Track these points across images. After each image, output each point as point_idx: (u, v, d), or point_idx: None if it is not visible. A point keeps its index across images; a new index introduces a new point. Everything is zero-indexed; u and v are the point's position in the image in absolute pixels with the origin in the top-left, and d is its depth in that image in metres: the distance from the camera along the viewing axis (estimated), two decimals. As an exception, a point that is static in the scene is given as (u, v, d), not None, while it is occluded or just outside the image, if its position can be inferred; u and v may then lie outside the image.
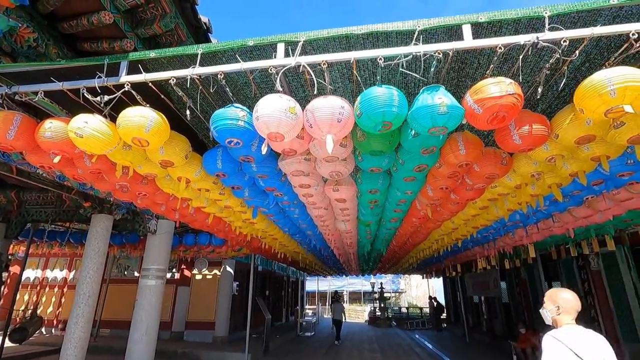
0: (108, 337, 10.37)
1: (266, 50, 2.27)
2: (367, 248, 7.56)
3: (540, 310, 2.14)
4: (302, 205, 4.27)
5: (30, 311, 6.57)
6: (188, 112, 2.43)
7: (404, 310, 24.73)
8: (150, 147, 2.41)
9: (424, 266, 14.48)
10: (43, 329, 10.87)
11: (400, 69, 2.15)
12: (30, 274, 12.02)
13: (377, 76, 2.18)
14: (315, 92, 2.22)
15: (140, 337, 5.62)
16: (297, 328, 14.56)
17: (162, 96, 2.47)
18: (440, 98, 1.97)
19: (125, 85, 2.27)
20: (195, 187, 3.31)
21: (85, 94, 2.29)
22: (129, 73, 2.33)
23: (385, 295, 22.50)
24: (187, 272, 11.27)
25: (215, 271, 11.16)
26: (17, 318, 6.64)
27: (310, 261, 11.40)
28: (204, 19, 3.80)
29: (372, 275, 24.62)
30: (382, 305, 21.61)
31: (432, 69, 2.06)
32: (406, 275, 35.53)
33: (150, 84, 2.31)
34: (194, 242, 7.65)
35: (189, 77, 2.21)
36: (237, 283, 11.62)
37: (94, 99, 2.33)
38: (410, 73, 2.25)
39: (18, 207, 6.23)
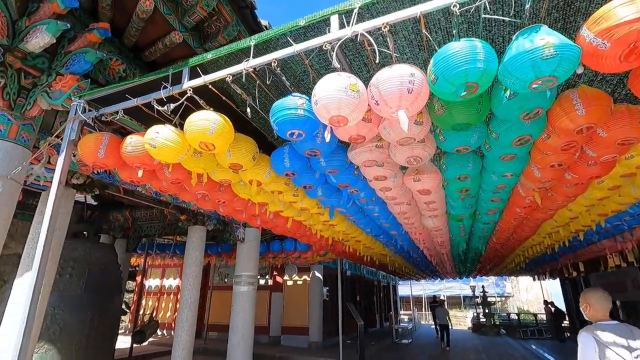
0: (216, 339, 11.27)
1: (320, 28, 2.05)
2: (462, 247, 6.78)
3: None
4: (381, 201, 3.93)
5: (147, 315, 7.48)
6: (249, 109, 2.35)
7: (513, 316, 21.97)
8: (218, 150, 2.39)
9: (535, 266, 12.59)
10: (164, 332, 12.34)
11: (483, 16, 1.73)
12: (151, 282, 13.84)
13: (454, 30, 1.78)
14: (379, 66, 1.92)
15: (238, 342, 5.86)
16: (392, 335, 13.94)
17: (224, 98, 2.44)
18: (543, 39, 1.49)
19: (188, 91, 2.28)
20: (268, 189, 3.24)
21: (155, 106, 2.38)
22: (191, 79, 2.35)
23: (488, 299, 20.30)
24: (279, 279, 11.68)
25: (305, 277, 11.34)
26: (139, 322, 7.60)
27: (399, 264, 10.81)
28: (263, 22, 3.80)
29: (471, 278, 22.51)
30: (487, 310, 19.51)
31: (527, 5, 1.59)
32: (512, 277, 31.72)
33: (210, 87, 2.29)
34: (280, 248, 7.83)
35: (243, 72, 2.11)
36: (327, 288, 11.62)
37: (163, 109, 2.40)
38: (497, 17, 1.80)
39: (132, 224, 7.14)
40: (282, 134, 2.19)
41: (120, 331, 11.68)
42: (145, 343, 6.84)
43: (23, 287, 3.50)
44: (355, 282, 14.45)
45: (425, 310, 30.93)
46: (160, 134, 2.35)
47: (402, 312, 27.51)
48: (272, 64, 2.01)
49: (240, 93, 2.29)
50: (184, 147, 2.41)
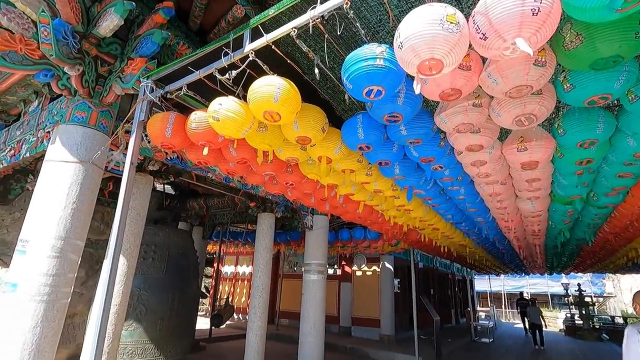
0: (287, 326, 11.50)
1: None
2: (562, 238, 5.77)
3: None
4: (468, 181, 3.37)
5: (224, 300, 7.82)
6: (317, 71, 2.04)
7: (619, 320, 18.98)
8: (283, 120, 2.13)
9: (652, 262, 10.52)
10: (240, 316, 12.98)
11: None
12: (227, 269, 14.65)
13: None
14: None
15: (309, 330, 5.74)
16: (471, 332, 12.89)
17: (289, 61, 2.16)
18: None
19: (249, 55, 2.05)
20: (338, 168, 2.93)
21: (217, 75, 2.20)
22: (252, 41, 2.12)
23: (585, 299, 17.75)
24: (347, 269, 11.46)
25: (375, 267, 10.94)
26: (216, 306, 7.99)
27: (479, 256, 9.82)
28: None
29: (562, 274, 19.95)
30: (584, 312, 17.09)
31: None
32: (611, 275, 27.48)
33: (273, 47, 2.02)
34: (349, 236, 7.55)
35: (310, 23, 1.80)
36: (398, 280, 11.09)
37: (225, 78, 2.21)
38: None
39: (207, 212, 7.45)
40: (356, 93, 1.84)
41: (200, 313, 12.58)
42: (223, 326, 7.15)
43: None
44: (428, 275, 13.64)
45: (505, 308, 28.45)
46: (223, 106, 2.16)
47: (479, 308, 25.62)
48: (345, 6, 1.66)
49: (307, 51, 1.98)
50: (248, 119, 2.19)
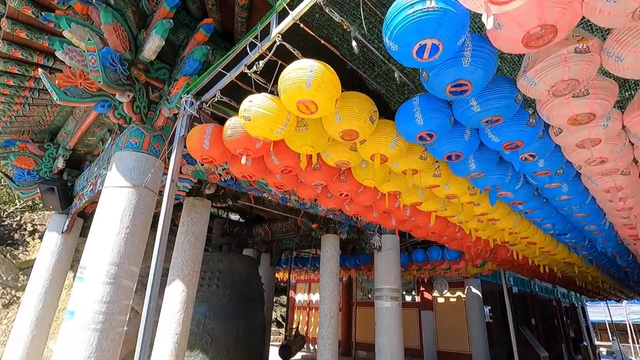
0: (366, 359, 10.66)
1: None
2: None
3: None
4: (573, 173, 2.61)
5: (294, 330, 7.48)
6: (354, 44, 1.68)
7: None
8: (321, 110, 1.79)
9: None
10: (315, 346, 12.48)
11: None
12: (300, 297, 14.42)
13: None
14: None
15: (387, 366, 5.06)
16: (592, 373, 10.55)
17: (325, 44, 1.85)
18: None
19: (276, 40, 1.78)
20: (398, 170, 2.46)
21: (247, 72, 1.97)
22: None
23: None
24: (427, 295, 10.36)
25: (459, 293, 9.70)
26: (286, 336, 7.67)
27: (593, 277, 8.07)
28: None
29: None
30: None
31: None
32: None
33: (303, 27, 1.73)
34: (425, 258, 6.74)
35: (340, -17, 1.47)
36: (489, 308, 9.64)
37: (256, 76, 1.97)
38: None
39: (272, 237, 7.34)
40: (405, 56, 1.42)
41: (277, 343, 12.39)
42: (293, 358, 6.78)
43: (173, 295, 3.63)
44: (526, 301, 11.70)
45: (634, 342, 23.30)
46: (254, 102, 1.91)
47: (597, 342, 21.38)
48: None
49: (340, 22, 1.64)
50: (281, 114, 1.90)
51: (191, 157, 3.65)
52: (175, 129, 2.56)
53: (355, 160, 2.42)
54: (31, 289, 4.59)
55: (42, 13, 2.86)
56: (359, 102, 1.92)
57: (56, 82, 2.83)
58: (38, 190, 5.03)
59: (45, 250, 4.84)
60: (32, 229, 6.88)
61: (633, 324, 23.85)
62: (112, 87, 2.70)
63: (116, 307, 2.63)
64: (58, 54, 2.77)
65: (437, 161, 2.53)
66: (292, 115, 1.97)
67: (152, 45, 2.74)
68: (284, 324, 16.52)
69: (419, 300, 10.46)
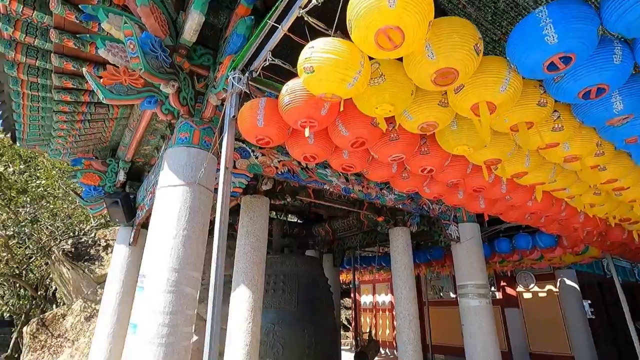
0: (444, 363, 9.80)
1: None
2: None
3: None
4: None
5: (366, 334, 6.98)
6: None
7: None
8: (409, 41, 1.30)
9: None
10: (387, 350, 11.83)
11: None
12: (365, 299, 13.85)
13: None
14: None
15: (483, 374, 4.34)
16: None
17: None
18: None
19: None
20: (506, 124, 1.87)
21: (305, 17, 1.55)
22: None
23: None
24: (510, 290, 9.23)
25: (550, 287, 8.48)
26: (360, 341, 7.20)
27: None
28: None
29: None
30: None
31: None
32: None
33: None
34: (511, 247, 5.84)
35: None
36: (589, 302, 8.30)
37: (313, 20, 1.54)
38: None
39: (333, 236, 6.92)
40: None
41: (345, 347, 11.93)
42: (370, 365, 6.29)
43: (239, 302, 3.34)
44: (633, 293, 9.97)
45: None
46: (317, 47, 1.47)
47: None
48: None
49: None
50: (353, 57, 1.44)
51: (245, 150, 3.36)
52: (225, 111, 2.23)
53: (446, 119, 1.88)
54: (105, 302, 4.63)
55: (83, 12, 2.72)
56: (458, 27, 1.40)
57: (101, 81, 2.66)
58: (104, 205, 5.13)
59: (115, 264, 4.87)
60: (105, 244, 7.18)
61: None
62: (155, 76, 2.46)
63: (180, 318, 2.35)
64: (101, 51, 2.60)
65: (556, 109, 1.90)
66: (366, 60, 1.50)
67: (192, 24, 2.46)
68: (349, 327, 16.04)
69: (501, 297, 9.35)
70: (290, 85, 1.78)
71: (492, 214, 3.66)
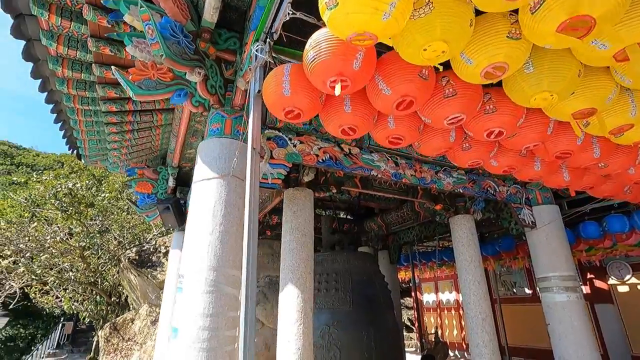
0: (524, 367, 8.77)
1: None
2: None
3: None
4: None
5: (432, 336, 6.41)
6: None
7: None
8: None
9: None
10: (456, 352, 10.98)
11: None
12: (427, 298, 13.05)
13: None
14: None
15: (580, 383, 3.65)
16: None
17: None
18: None
19: None
20: (607, 51, 1.39)
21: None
22: None
23: None
24: (600, 283, 7.99)
25: (652, 277, 7.18)
26: (428, 343, 6.67)
27: None
28: None
29: None
30: None
31: None
32: None
33: None
34: (601, 232, 4.94)
35: None
36: None
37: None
38: None
39: (387, 231, 6.47)
40: None
41: (410, 349, 11.30)
42: (439, 369, 5.74)
43: (288, 302, 3.10)
44: None
45: None
46: (338, -28, 1.15)
47: None
48: None
49: None
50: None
51: (281, 138, 3.13)
52: (249, 87, 2.00)
53: (518, 57, 1.45)
54: (164, 308, 4.69)
55: (110, 12, 2.68)
56: None
57: (130, 77, 2.59)
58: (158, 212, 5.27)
59: (172, 268, 4.94)
60: (165, 250, 7.47)
61: None
62: (178, 62, 2.31)
63: (221, 321, 2.16)
64: (128, 48, 2.52)
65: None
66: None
67: (212, 1, 2.27)
68: (413, 328, 15.26)
69: (589, 291, 8.13)
70: (314, 38, 1.48)
71: (578, 189, 3.02)
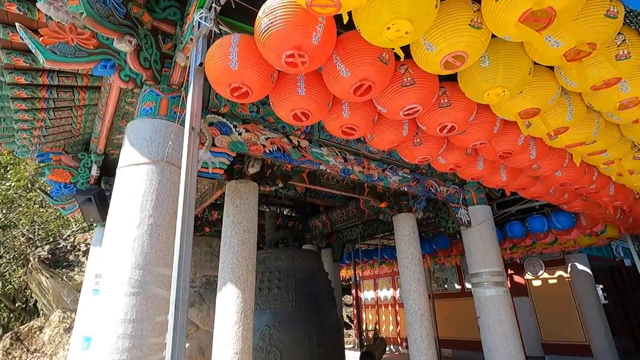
0: (453, 358, 9.39)
1: None
2: None
3: None
4: None
5: (372, 332, 6.55)
6: None
7: None
8: None
9: None
10: (391, 347, 11.41)
11: None
12: (366, 295, 13.41)
13: None
14: None
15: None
16: None
17: None
18: None
19: None
20: (558, 49, 1.42)
21: None
22: None
23: None
24: (518, 278, 8.85)
25: (560, 272, 8.10)
26: (365, 339, 6.78)
27: None
28: None
29: None
30: None
31: None
32: None
33: None
34: (524, 231, 5.42)
35: None
36: (601, 287, 7.95)
37: None
38: None
39: (331, 229, 6.46)
40: None
41: (348, 346, 11.49)
42: (377, 365, 5.85)
43: (226, 303, 2.86)
44: (642, 276, 9.67)
45: None
46: None
47: None
48: None
49: None
50: None
51: (225, 125, 2.87)
52: (190, 59, 1.75)
53: (478, 48, 1.42)
54: (81, 312, 4.11)
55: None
56: None
57: (40, 39, 2.17)
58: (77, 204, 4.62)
59: (91, 268, 4.36)
60: (85, 248, 6.65)
61: None
62: (103, 25, 1.96)
63: (147, 327, 1.87)
64: (39, 4, 2.10)
65: (620, 32, 1.45)
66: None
67: (147, -42, 1.97)
68: (351, 325, 15.58)
69: (509, 285, 8.95)
70: (269, 3, 1.30)
71: (513, 190, 3.22)
